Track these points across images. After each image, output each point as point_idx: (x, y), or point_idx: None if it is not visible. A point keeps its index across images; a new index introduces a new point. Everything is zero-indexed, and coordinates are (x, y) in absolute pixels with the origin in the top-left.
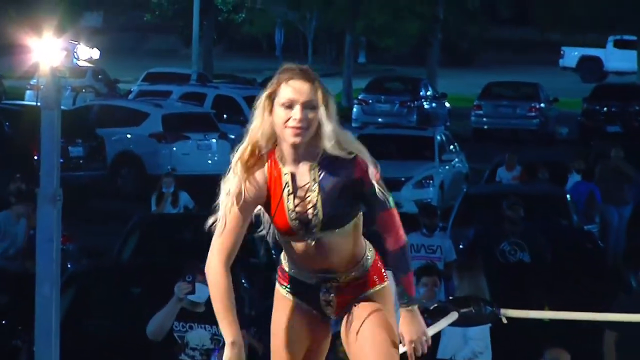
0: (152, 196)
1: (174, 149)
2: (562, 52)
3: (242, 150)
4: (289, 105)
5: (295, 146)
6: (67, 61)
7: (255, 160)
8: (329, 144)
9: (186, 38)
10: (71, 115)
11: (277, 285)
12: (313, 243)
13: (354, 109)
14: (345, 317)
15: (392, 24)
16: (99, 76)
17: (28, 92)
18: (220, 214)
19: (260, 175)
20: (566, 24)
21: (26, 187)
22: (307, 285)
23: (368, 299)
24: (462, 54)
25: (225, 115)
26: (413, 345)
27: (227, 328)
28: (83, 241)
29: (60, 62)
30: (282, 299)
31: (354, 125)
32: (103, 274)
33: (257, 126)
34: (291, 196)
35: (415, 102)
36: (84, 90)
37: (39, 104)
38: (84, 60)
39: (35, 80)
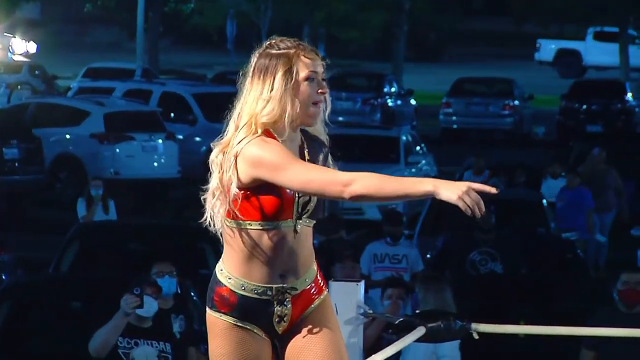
0: (78, 200)
1: (117, 150)
2: (538, 45)
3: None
4: (312, 79)
5: (298, 126)
6: (1, 55)
7: None
8: (320, 124)
9: (130, 30)
10: (6, 114)
11: (215, 315)
12: (297, 231)
13: None
14: (295, 334)
15: (355, 15)
16: (36, 72)
17: None
18: (290, 168)
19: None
20: (542, 14)
21: None
22: (259, 302)
23: (317, 313)
24: (430, 47)
25: (172, 114)
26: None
27: (417, 183)
28: (18, 252)
29: None
30: (226, 330)
31: None
32: (41, 287)
33: (276, 112)
34: None
35: (379, 100)
36: (19, 87)
37: None
38: (20, 54)
39: None
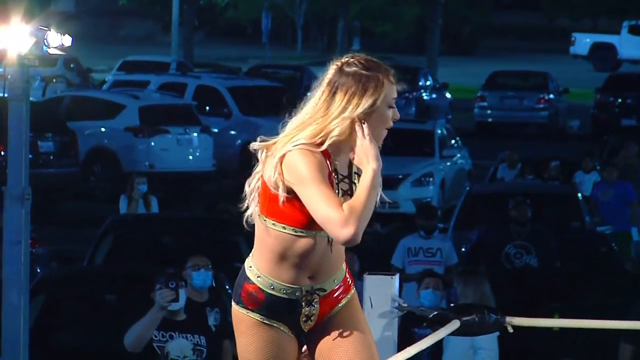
0: (121, 196)
1: (152, 143)
2: (572, 38)
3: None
4: (392, 105)
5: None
6: (36, 49)
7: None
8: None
9: (165, 23)
10: (41, 107)
11: (242, 311)
12: (330, 241)
13: None
14: (323, 332)
15: (389, 8)
16: (71, 65)
17: None
18: (313, 188)
19: (325, 166)
20: (576, 8)
21: None
22: (288, 301)
23: (345, 312)
24: (465, 40)
25: (207, 107)
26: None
27: (367, 177)
28: (53, 245)
29: (29, 49)
30: (253, 327)
31: None
32: (75, 280)
33: (347, 131)
34: (340, 184)
35: (414, 93)
36: (54, 80)
37: (6, 95)
38: (55, 47)
39: (1, 70)
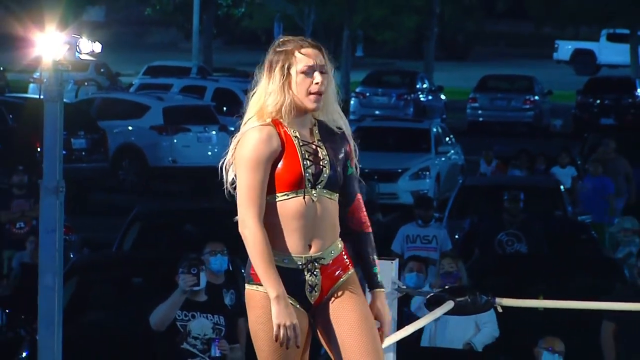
0: None
1: (175, 141)
2: (556, 45)
3: (257, 122)
4: (308, 72)
5: (305, 112)
6: (69, 55)
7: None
8: (327, 113)
9: (186, 32)
10: (74, 108)
11: (252, 287)
12: (315, 199)
13: (352, 102)
14: (327, 308)
15: (390, 18)
16: (101, 69)
17: (31, 85)
18: (243, 173)
19: (274, 136)
20: (560, 17)
21: (29, 178)
22: (291, 271)
23: (345, 289)
24: (459, 47)
25: (225, 108)
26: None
27: (271, 283)
28: (84, 233)
29: (62, 55)
30: (263, 300)
31: (351, 117)
32: (104, 265)
33: (278, 101)
34: (303, 147)
35: (412, 95)
36: (86, 84)
37: (41, 96)
38: (86, 53)
39: (38, 74)
